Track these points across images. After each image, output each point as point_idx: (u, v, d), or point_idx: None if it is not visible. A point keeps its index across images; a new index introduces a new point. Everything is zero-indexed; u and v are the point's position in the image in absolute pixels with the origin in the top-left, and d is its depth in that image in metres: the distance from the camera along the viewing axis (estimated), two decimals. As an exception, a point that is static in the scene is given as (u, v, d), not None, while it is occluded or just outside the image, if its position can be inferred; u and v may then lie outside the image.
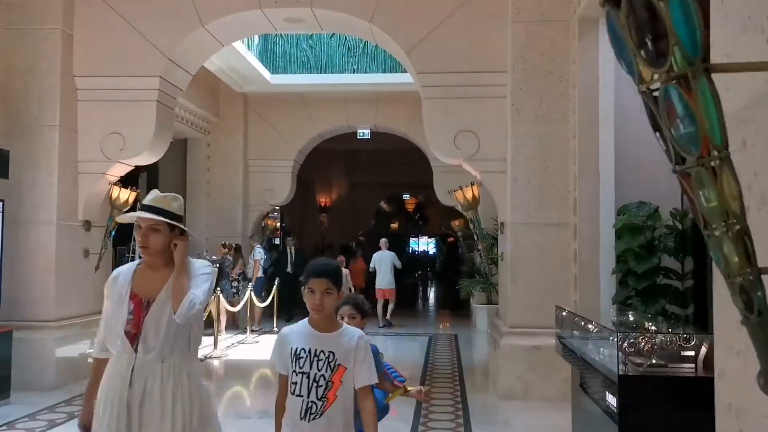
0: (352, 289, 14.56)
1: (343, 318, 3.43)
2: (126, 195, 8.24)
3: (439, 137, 8.06)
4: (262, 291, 12.84)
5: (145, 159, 8.34)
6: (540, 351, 7.19)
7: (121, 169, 8.32)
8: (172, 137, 8.71)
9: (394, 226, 34.29)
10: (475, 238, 8.40)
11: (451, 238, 27.36)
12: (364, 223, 27.19)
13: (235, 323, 12.87)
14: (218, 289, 10.43)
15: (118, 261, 10.18)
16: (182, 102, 12.45)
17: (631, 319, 5.40)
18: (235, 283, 12.90)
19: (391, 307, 13.95)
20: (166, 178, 14.08)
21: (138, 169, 14.70)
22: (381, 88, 13.38)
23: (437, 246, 38.29)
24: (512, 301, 7.46)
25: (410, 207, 30.31)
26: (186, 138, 13.83)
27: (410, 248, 39.38)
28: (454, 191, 8.03)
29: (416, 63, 8.03)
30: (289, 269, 13.53)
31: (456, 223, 14.48)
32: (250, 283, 12.48)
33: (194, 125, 13.36)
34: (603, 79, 7.01)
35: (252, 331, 12.41)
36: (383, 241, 14.39)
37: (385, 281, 13.79)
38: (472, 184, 8.08)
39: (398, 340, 12.10)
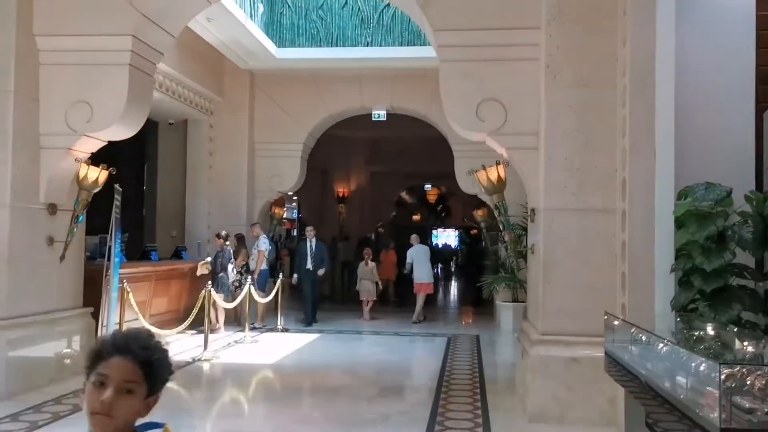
0: (379, 283, 13.58)
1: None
2: (95, 174, 7.04)
3: (458, 107, 6.75)
4: (265, 285, 11.64)
5: (118, 133, 7.13)
6: (579, 364, 5.86)
7: (90, 144, 7.13)
8: (150, 109, 7.47)
9: (416, 218, 32.98)
10: (501, 228, 7.11)
11: (475, 230, 26.02)
12: (384, 214, 25.90)
13: (237, 319, 11.70)
14: (210, 283, 9.24)
15: (93, 251, 9.00)
16: (182, 79, 11.32)
17: (709, 332, 4.07)
18: (237, 276, 11.72)
19: (420, 303, 12.86)
20: (165, 163, 12.96)
21: (140, 158, 13.66)
22: (398, 64, 12.07)
23: (460, 239, 36.95)
24: (545, 303, 6.13)
25: (432, 198, 28.95)
26: (186, 119, 12.67)
27: (432, 241, 38.10)
28: (476, 171, 6.74)
29: (432, 19, 6.71)
30: (308, 265, 11.99)
31: (479, 213, 13.14)
32: (249, 277, 11.27)
33: (195, 104, 12.19)
34: (661, 32, 5.63)
35: (253, 328, 11.21)
36: (414, 236, 13.58)
37: (424, 275, 12.97)
38: (498, 164, 6.77)
39: (414, 341, 10.82)
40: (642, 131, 5.66)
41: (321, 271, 11.93)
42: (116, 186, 7.89)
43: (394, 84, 12.77)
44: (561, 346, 5.96)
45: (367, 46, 11.94)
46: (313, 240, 12.17)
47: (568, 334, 5.99)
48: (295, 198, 27.49)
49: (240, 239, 11.81)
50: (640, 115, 5.67)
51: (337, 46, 11.97)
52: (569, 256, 6.09)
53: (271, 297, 11.29)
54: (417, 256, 13.12)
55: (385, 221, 26.81)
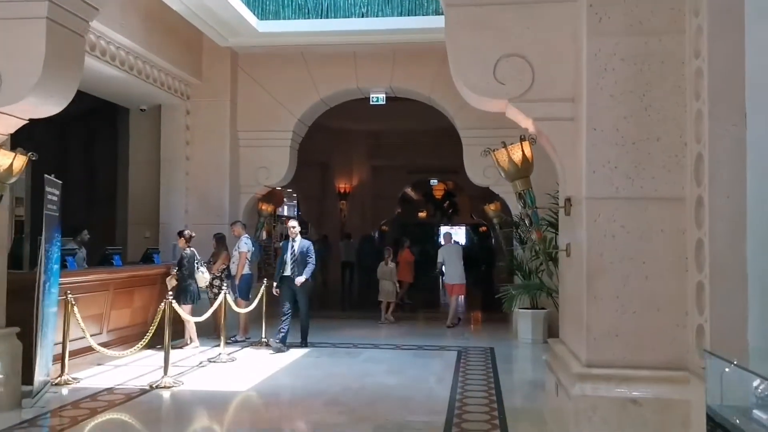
0: (398, 285, 12.69)
1: None
2: (8, 160, 5.47)
3: (470, 66, 5.14)
4: (249, 291, 10.05)
5: (37, 108, 5.53)
6: (640, 408, 4.25)
7: (4, 123, 5.55)
8: (79, 78, 5.86)
9: (422, 214, 31.33)
10: (527, 223, 5.48)
11: (484, 227, 24.37)
12: (388, 211, 24.27)
13: (216, 331, 10.12)
14: (171, 293, 7.67)
15: (33, 258, 7.45)
16: (152, 58, 9.76)
17: None
18: (216, 282, 10.14)
19: (454, 305, 11.85)
20: (137, 154, 11.41)
21: (114, 148, 12.11)
22: (397, 37, 10.45)
23: (468, 237, 35.30)
24: (590, 324, 4.50)
25: (438, 194, 27.27)
26: (160, 104, 11.08)
27: (439, 238, 36.41)
28: (494, 150, 5.12)
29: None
30: (287, 270, 9.18)
31: (491, 208, 11.52)
32: (226, 283, 9.70)
33: (170, 88, 10.62)
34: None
35: (234, 342, 9.65)
36: (446, 232, 12.87)
37: (456, 275, 11.82)
38: (523, 140, 5.16)
39: (419, 356, 9.20)
40: (726, 89, 4.05)
41: (300, 279, 9.10)
42: (47, 176, 6.31)
43: (394, 62, 11.15)
44: (614, 383, 4.34)
45: (362, 17, 10.32)
46: (297, 239, 9.27)
47: (624, 366, 4.38)
48: (294, 195, 26.04)
49: (220, 240, 10.23)
50: (723, 67, 4.06)
51: (327, 17, 10.34)
52: (622, 261, 4.47)
53: (254, 305, 9.70)
54: (449, 255, 11.98)
55: (389, 218, 25.20)
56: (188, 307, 8.67)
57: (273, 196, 25.01)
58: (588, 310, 4.51)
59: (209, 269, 10.08)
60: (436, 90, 11.14)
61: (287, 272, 9.25)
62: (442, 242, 12.49)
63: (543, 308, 9.77)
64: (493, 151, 5.28)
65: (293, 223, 9.62)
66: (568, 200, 5.12)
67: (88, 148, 12.75)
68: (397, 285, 12.55)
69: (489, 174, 10.92)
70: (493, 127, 10.85)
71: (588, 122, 4.57)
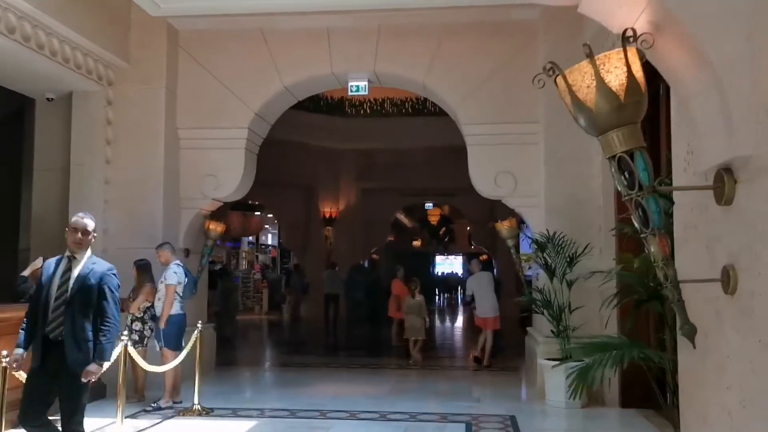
0: (427, 320, 10.86)
1: None
2: None
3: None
4: (180, 339, 7.13)
5: None
6: None
7: None
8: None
9: (416, 243, 28.49)
10: (641, 219, 2.67)
11: (484, 256, 21.52)
12: (379, 237, 21.41)
13: (138, 394, 7.22)
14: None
15: None
16: (60, 28, 7.04)
17: None
18: (137, 325, 7.27)
19: (490, 342, 10.00)
20: (43, 158, 8.56)
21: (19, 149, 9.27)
22: (383, 6, 7.75)
23: (465, 266, 32.41)
24: None
25: (434, 219, 24.44)
26: (71, 91, 8.28)
27: (435, 268, 33.50)
28: (558, 76, 2.38)
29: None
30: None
31: (504, 225, 8.66)
32: (147, 327, 6.90)
33: (85, 70, 7.85)
34: None
35: (152, 410, 6.75)
36: (476, 262, 11.07)
37: (488, 308, 10.16)
38: (627, 41, 2.38)
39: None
40: None
41: (77, 359, 4.14)
42: None
43: (379, 39, 8.42)
44: None
45: (335, -27, 7.63)
46: (84, 255, 4.37)
47: None
48: (275, 221, 23.21)
49: (142, 268, 7.38)
50: None
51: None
52: None
53: (182, 357, 6.78)
54: (479, 285, 10.39)
55: (380, 246, 22.34)
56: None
57: (247, 221, 22.43)
58: None
59: (125, 307, 7.22)
60: (432, 75, 8.41)
61: (48, 328, 4.16)
62: (473, 270, 10.82)
63: (582, 360, 6.90)
64: (557, 76, 2.46)
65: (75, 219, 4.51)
66: (723, 173, 2.31)
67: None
68: (427, 320, 10.89)
69: (502, 181, 8.15)
70: (505, 121, 8.18)
71: None
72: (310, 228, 19.59)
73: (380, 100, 18.88)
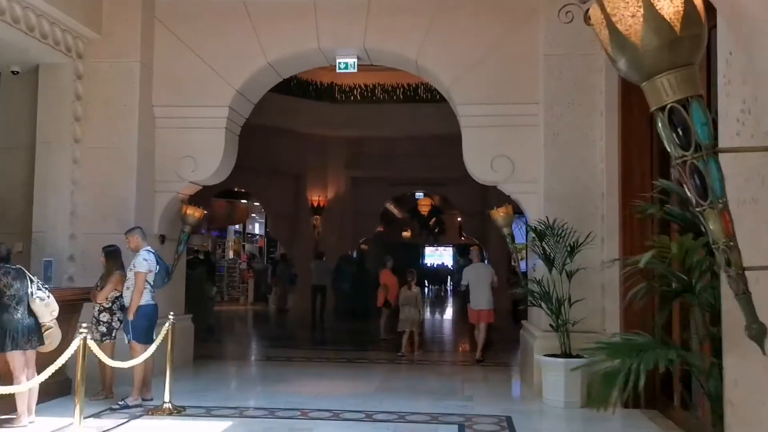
0: (421, 311, 10.83)
1: None
2: None
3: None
4: (150, 332, 6.55)
5: None
6: None
7: None
8: None
9: (406, 234, 27.96)
10: (695, 190, 2.20)
11: (476, 246, 20.98)
12: (369, 227, 20.84)
13: (106, 390, 6.66)
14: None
15: None
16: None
17: None
18: (105, 317, 6.69)
19: (483, 336, 9.59)
20: (6, 131, 7.95)
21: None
22: (373, -24, 7.20)
23: (455, 258, 31.89)
24: None
25: (424, 210, 23.87)
26: (38, 64, 7.66)
27: (424, 260, 32.99)
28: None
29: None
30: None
31: (500, 213, 8.13)
32: (116, 318, 6.37)
33: (52, 40, 7.25)
34: None
35: (119, 408, 6.19)
36: (475, 251, 10.58)
37: (482, 300, 9.71)
38: None
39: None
40: None
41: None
42: None
43: (369, 12, 7.85)
44: None
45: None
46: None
47: None
48: (262, 210, 22.57)
49: (111, 255, 6.78)
50: None
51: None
52: None
53: (151, 351, 6.20)
54: (476, 276, 9.83)
55: (369, 236, 21.78)
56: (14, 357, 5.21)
57: (233, 209, 21.76)
58: None
59: (92, 297, 6.67)
60: (426, 52, 7.86)
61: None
62: (473, 259, 10.39)
63: (578, 355, 6.43)
64: (589, 7, 1.91)
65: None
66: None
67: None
68: (421, 313, 10.76)
69: (498, 166, 7.62)
70: (502, 101, 7.64)
71: None
72: (298, 217, 19.03)
73: (371, 86, 18.38)
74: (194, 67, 7.99)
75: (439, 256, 34.13)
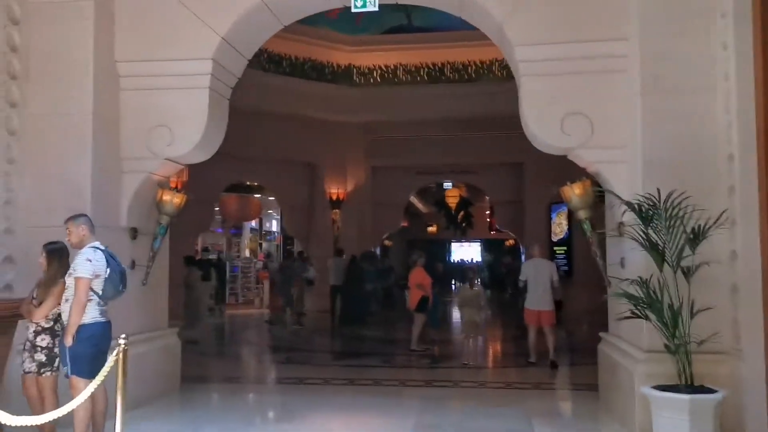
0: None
1: None
2: None
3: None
4: (96, 361, 4.56)
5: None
6: None
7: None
8: None
9: (431, 229, 25.91)
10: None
11: (511, 240, 18.86)
12: (392, 221, 18.84)
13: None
14: None
15: None
16: None
17: None
18: (44, 340, 4.73)
19: (551, 339, 8.46)
20: None
21: None
22: None
23: (483, 254, 29.75)
24: None
25: (452, 201, 21.76)
26: (-43, 5, 5.72)
27: (451, 256, 30.87)
28: None
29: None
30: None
31: (575, 191, 5.94)
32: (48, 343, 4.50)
33: (-26, -27, 5.27)
34: None
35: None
36: (537, 246, 9.35)
37: (541, 300, 8.52)
38: None
39: None
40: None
41: None
42: None
43: (393, -72, 5.84)
44: None
45: None
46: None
47: None
48: (278, 206, 20.60)
49: (53, 254, 4.82)
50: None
51: None
52: None
53: (92, 388, 4.21)
54: (536, 273, 8.61)
55: (392, 231, 19.76)
56: None
57: (245, 205, 19.83)
58: None
59: (27, 313, 4.76)
60: (469, -19, 5.81)
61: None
62: (532, 254, 9.26)
63: (711, 389, 4.39)
64: None
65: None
66: None
67: None
68: (482, 316, 9.81)
69: (571, 127, 5.55)
70: (576, 39, 5.57)
71: None
72: (314, 211, 17.17)
73: (392, 67, 16.79)
74: (168, 9, 6.03)
75: (465, 251, 32.00)
